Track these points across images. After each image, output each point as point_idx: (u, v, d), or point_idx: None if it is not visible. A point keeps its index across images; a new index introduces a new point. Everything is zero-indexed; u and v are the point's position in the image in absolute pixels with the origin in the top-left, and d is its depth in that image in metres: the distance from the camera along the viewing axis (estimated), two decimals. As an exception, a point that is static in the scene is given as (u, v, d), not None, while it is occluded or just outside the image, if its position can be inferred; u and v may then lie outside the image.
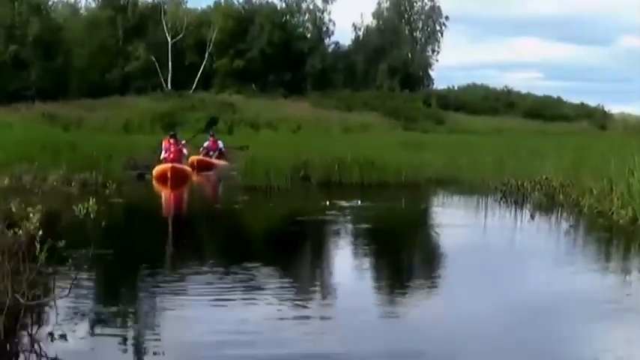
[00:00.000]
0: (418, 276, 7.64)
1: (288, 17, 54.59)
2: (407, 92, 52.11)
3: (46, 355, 4.56)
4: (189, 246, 9.07)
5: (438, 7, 58.37)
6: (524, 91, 58.69)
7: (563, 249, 9.37)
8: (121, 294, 6.41)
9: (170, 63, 49.93)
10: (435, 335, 5.35)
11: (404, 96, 50.77)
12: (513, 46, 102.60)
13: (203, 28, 51.89)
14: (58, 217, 7.70)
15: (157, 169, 17.09)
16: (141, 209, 13.30)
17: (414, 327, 5.62)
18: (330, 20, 55.61)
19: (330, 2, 54.93)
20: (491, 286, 6.99)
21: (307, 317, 5.64)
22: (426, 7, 58.63)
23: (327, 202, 12.78)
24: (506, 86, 58.78)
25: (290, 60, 52.04)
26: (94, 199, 4.99)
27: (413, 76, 56.46)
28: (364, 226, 11.12)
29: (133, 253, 8.27)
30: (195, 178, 18.70)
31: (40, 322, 5.09)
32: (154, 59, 49.23)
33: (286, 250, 9.17)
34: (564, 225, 11.36)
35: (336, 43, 57.94)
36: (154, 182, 16.80)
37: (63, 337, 4.81)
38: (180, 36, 50.42)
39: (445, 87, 59.76)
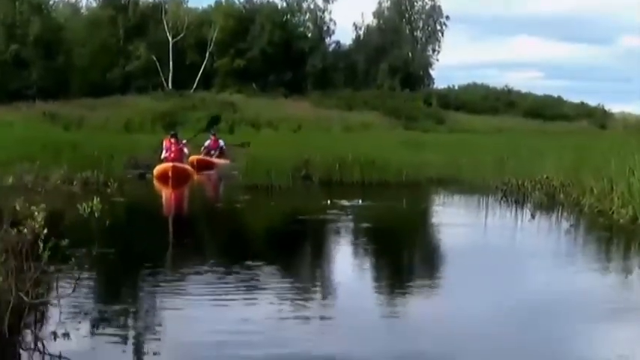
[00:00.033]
0: (419, 276, 7.65)
1: (288, 17, 54.60)
2: (407, 92, 52.10)
3: (49, 353, 4.59)
4: (191, 245, 9.09)
5: (439, 7, 58.44)
6: (524, 90, 58.81)
7: (563, 248, 9.39)
8: (123, 293, 6.43)
9: (171, 62, 49.95)
10: (436, 335, 5.36)
11: (404, 95, 50.76)
12: (514, 46, 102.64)
13: (204, 27, 51.89)
14: (60, 216, 7.74)
15: (158, 169, 17.10)
16: (143, 208, 13.33)
17: (415, 327, 5.63)
18: (330, 20, 55.69)
19: (330, 2, 55.00)
20: (492, 286, 7.00)
21: (308, 317, 5.65)
22: (427, 7, 58.64)
23: (328, 202, 12.80)
24: (506, 86, 58.91)
25: (291, 59, 52.04)
26: (98, 198, 5.02)
27: (413, 75, 56.47)
28: (365, 225, 11.13)
29: (136, 252, 8.30)
30: (195, 177, 18.71)
31: (43, 320, 5.11)
32: (154, 59, 49.24)
33: (287, 249, 9.19)
34: (565, 224, 11.38)
35: (337, 43, 58.03)
36: (155, 181, 16.81)
37: (66, 335, 4.83)
38: (181, 35, 50.43)
39: (445, 86, 59.88)
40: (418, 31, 59.07)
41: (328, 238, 10.10)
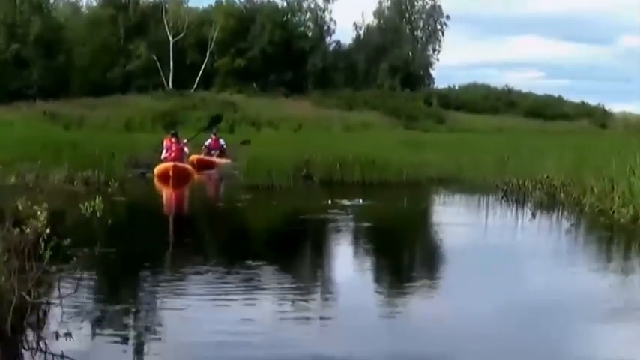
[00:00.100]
0: (419, 275, 7.66)
1: (289, 16, 54.66)
2: (408, 91, 52.15)
3: (51, 352, 4.60)
4: (192, 245, 9.10)
5: (439, 6, 58.51)
6: (524, 90, 58.88)
7: (564, 248, 9.40)
8: (125, 292, 6.44)
9: (171, 62, 50.01)
10: (436, 335, 5.37)
11: (405, 95, 50.80)
12: (514, 45, 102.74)
13: (204, 27, 51.96)
14: (62, 215, 7.75)
15: (159, 168, 17.10)
16: (144, 208, 13.34)
17: (415, 327, 5.64)
18: (331, 19, 55.79)
19: (331, 1, 55.14)
20: (493, 286, 7.01)
21: (308, 317, 5.66)
22: (427, 6, 58.72)
23: (329, 201, 12.81)
24: (506, 85, 58.97)
25: (291, 59, 52.08)
26: (100, 198, 5.03)
27: (414, 75, 56.52)
28: (366, 225, 11.15)
29: (137, 251, 8.31)
30: (196, 177, 18.71)
31: (45, 320, 5.13)
32: (155, 58, 49.30)
33: (288, 249, 9.20)
34: (565, 224, 11.39)
35: (337, 42, 58.13)
36: (156, 181, 16.82)
37: (68, 335, 4.84)
38: (182, 35, 50.50)
39: (446, 86, 59.92)
40: (418, 31, 59.13)
41: (329, 238, 10.11)
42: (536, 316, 5.76)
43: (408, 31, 58.32)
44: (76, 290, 5.32)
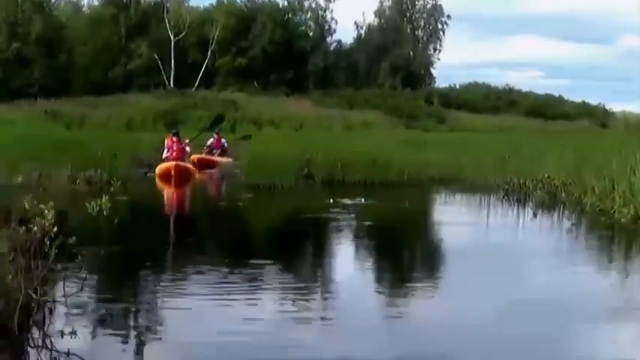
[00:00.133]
0: (421, 275, 7.68)
1: (290, 15, 54.63)
2: (409, 91, 52.12)
3: (57, 350, 4.64)
4: (194, 244, 9.12)
5: (440, 6, 58.48)
6: (525, 89, 58.89)
7: (565, 247, 9.43)
8: (128, 291, 6.47)
9: (173, 61, 50.00)
10: (437, 335, 5.39)
11: (406, 94, 50.76)
12: (515, 45, 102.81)
13: (205, 26, 51.93)
14: (67, 214, 7.78)
15: (161, 168, 17.11)
16: (146, 207, 13.35)
17: (416, 327, 5.67)
18: (332, 19, 55.73)
19: (332, 1, 55.10)
20: (494, 286, 7.03)
21: (310, 317, 5.68)
22: (428, 6, 58.70)
23: (331, 201, 12.83)
24: (507, 85, 58.97)
25: (292, 58, 52.06)
26: (106, 197, 5.07)
27: (415, 74, 56.49)
28: (367, 224, 11.16)
29: (140, 251, 8.33)
30: (197, 176, 18.73)
31: (51, 318, 5.17)
32: (156, 57, 49.29)
33: (290, 248, 9.23)
34: (566, 223, 11.42)
35: (338, 42, 58.07)
36: (158, 180, 16.83)
37: (73, 333, 4.87)
38: (183, 34, 50.47)
39: (447, 85, 60.01)
40: (419, 30, 59.11)
41: (330, 238, 10.12)
42: (537, 316, 5.78)
43: (408, 30, 58.31)
44: (81, 289, 5.36)
